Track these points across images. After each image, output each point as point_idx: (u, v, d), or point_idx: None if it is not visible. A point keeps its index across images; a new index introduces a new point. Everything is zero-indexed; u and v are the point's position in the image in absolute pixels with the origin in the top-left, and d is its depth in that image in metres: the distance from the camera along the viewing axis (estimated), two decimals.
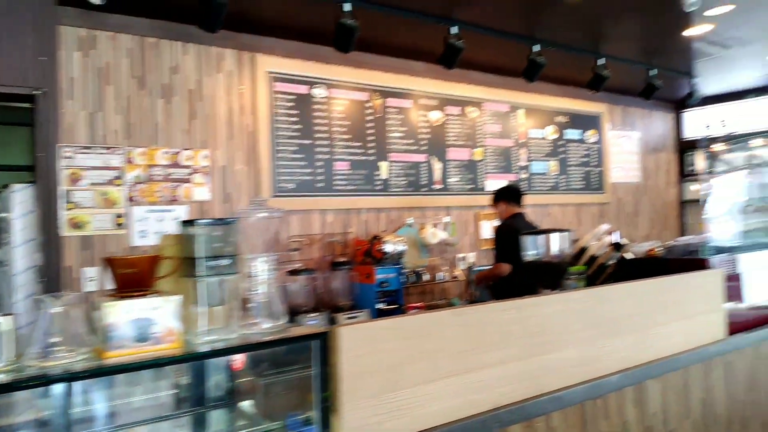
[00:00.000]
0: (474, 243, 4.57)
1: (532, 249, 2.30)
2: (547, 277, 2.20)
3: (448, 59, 3.49)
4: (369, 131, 4.04)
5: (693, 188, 6.29)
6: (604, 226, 3.73)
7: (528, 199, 3.95)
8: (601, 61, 4.24)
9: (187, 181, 3.31)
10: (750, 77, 5.47)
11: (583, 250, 3.37)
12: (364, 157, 4.00)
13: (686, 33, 4.08)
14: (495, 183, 4.50)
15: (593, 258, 3.45)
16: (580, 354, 1.80)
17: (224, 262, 1.37)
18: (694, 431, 2.15)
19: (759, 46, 4.48)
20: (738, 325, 2.43)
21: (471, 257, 4.50)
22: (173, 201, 3.26)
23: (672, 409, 2.06)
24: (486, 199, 4.02)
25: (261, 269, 1.45)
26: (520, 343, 1.66)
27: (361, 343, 1.38)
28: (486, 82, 4.66)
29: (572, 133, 5.32)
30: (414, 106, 4.26)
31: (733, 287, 2.52)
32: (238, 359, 1.57)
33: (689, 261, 2.37)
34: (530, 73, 3.88)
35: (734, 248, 2.66)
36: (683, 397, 2.11)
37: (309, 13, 3.29)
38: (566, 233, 2.30)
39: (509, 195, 3.69)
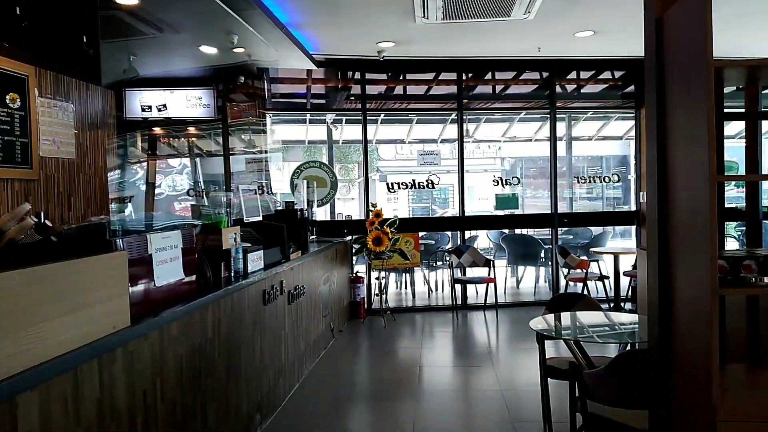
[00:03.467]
0: None
1: None
2: None
3: None
4: None
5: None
6: (26, 206, 3.16)
7: None
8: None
9: None
10: (185, 66, 5.72)
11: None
12: None
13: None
14: None
15: (13, 242, 2.83)
16: None
17: None
18: None
19: (189, 36, 4.67)
20: (144, 309, 2.32)
21: None
22: None
23: (58, 421, 1.73)
24: None
25: None
26: None
27: None
28: None
29: None
30: None
31: (142, 269, 2.38)
32: None
33: (90, 243, 2.09)
34: None
35: (144, 229, 2.61)
36: (73, 403, 1.81)
37: None
38: None
39: None
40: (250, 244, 4.03)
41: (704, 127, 1.79)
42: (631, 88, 7.86)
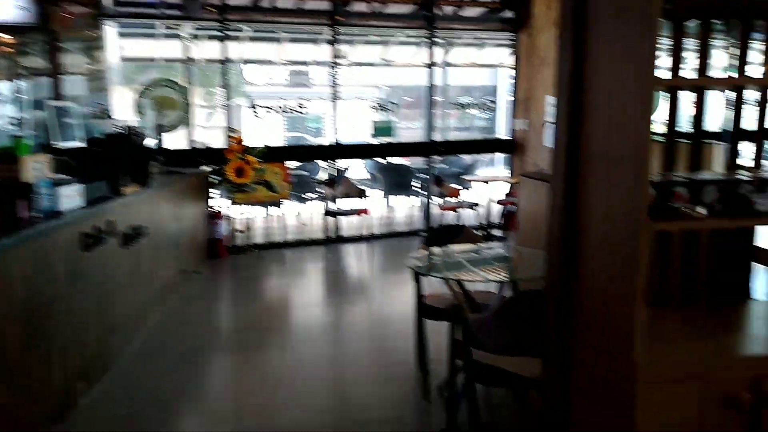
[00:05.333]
0: None
1: None
2: None
3: None
4: None
5: None
6: None
7: None
8: None
9: None
10: None
11: None
12: None
13: None
14: None
15: None
16: None
17: None
18: None
19: None
20: None
21: None
22: None
23: None
24: None
25: None
26: None
27: None
28: None
29: None
30: None
31: None
32: None
33: None
34: None
35: None
36: None
37: None
38: None
39: None
40: (68, 177, 3.23)
41: (641, 31, 1.38)
42: (510, 13, 7.59)
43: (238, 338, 4.09)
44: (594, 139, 1.63)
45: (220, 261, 6.18)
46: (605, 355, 1.63)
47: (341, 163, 7.46)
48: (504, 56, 8.53)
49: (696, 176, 1.56)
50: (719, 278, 2.00)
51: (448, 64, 9.58)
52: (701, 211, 1.47)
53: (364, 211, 6.65)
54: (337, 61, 6.92)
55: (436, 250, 3.30)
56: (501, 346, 2.29)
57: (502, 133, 8.63)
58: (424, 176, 7.86)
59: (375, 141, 7.55)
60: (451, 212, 7.29)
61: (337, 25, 6.88)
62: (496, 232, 7.33)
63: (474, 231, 3.60)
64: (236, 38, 7.56)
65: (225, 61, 6.51)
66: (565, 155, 1.75)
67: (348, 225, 7.65)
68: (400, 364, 3.49)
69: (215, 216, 6.27)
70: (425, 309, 3.16)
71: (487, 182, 6.82)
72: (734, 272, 2.02)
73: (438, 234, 3.53)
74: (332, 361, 3.65)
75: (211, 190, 6.37)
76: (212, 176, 6.22)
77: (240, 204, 6.35)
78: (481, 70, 11.30)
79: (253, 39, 8.43)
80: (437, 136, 7.59)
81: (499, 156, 9.07)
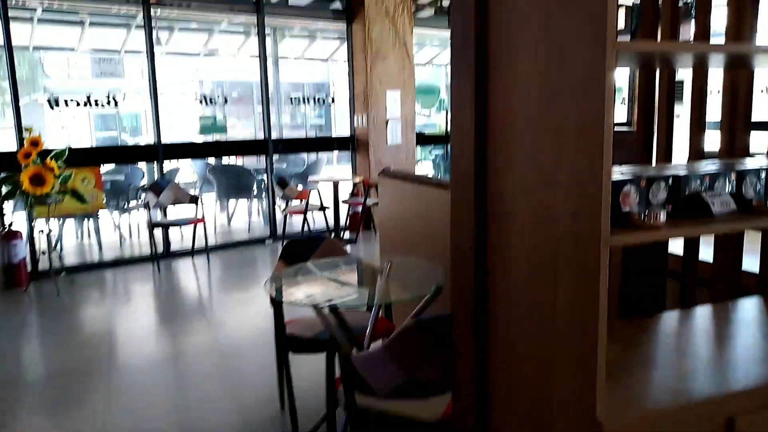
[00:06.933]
0: None
1: None
2: None
3: None
4: None
5: None
6: None
7: None
8: None
9: None
10: None
11: None
12: None
13: None
14: None
15: None
16: None
17: None
18: None
19: None
20: None
21: None
22: None
23: None
24: None
25: None
26: None
27: None
28: None
29: None
30: None
31: None
32: None
33: None
34: None
35: None
36: None
37: None
38: None
39: None
40: None
41: None
42: (340, 4, 7.26)
43: (50, 390, 3.21)
44: (515, 128, 1.27)
45: (18, 291, 5.04)
46: (538, 392, 1.29)
47: (167, 165, 6.57)
48: (338, 49, 8.20)
49: (645, 171, 1.28)
50: (631, 289, 1.78)
51: (280, 57, 9.02)
52: (661, 217, 1.17)
53: (199, 221, 5.88)
54: (155, 49, 6.03)
55: (296, 268, 2.80)
56: (395, 387, 1.88)
57: (340, 130, 8.30)
58: (264, 178, 7.25)
59: (203, 139, 6.78)
60: (299, 216, 6.79)
61: (152, 5, 6.00)
62: (346, 235, 6.99)
63: (337, 241, 3.16)
64: (27, 20, 6.31)
65: (9, 47, 5.32)
66: (474, 145, 1.38)
67: (180, 237, 6.80)
68: (260, 405, 2.94)
69: (10, 236, 5.10)
70: (289, 341, 2.66)
71: (335, 183, 6.42)
72: (645, 281, 1.82)
73: (297, 247, 3.02)
74: (176, 408, 2.98)
75: (3, 204, 5.18)
76: (2, 186, 5.04)
77: (42, 218, 5.24)
78: (316, 65, 10.87)
79: (46, 21, 7.12)
80: (274, 134, 7.02)
81: (343, 154, 8.74)
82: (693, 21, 1.93)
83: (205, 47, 9.40)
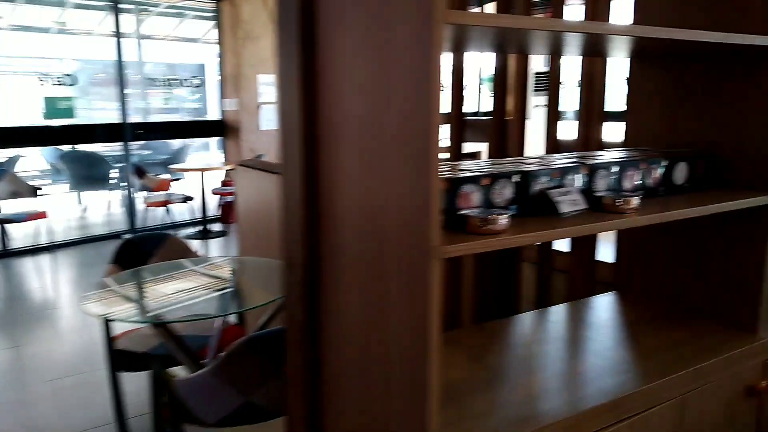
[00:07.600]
0: None
1: None
2: None
3: None
4: None
5: None
6: None
7: None
8: None
9: None
10: None
11: None
12: None
13: None
14: None
15: None
16: None
17: None
18: None
19: None
20: None
21: None
22: None
23: None
24: None
25: None
26: None
27: None
28: None
29: None
30: None
31: None
32: None
33: None
34: None
35: None
36: None
37: None
38: None
39: None
40: None
41: None
42: None
43: None
44: (348, 119, 1.06)
45: None
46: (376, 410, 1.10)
47: (4, 153, 5.77)
48: (210, 30, 7.66)
49: (486, 167, 1.11)
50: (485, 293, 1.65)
51: (143, 37, 8.30)
52: (501, 221, 1.01)
53: (40, 216, 5.20)
54: None
55: (132, 273, 2.44)
56: (228, 414, 1.62)
57: (213, 115, 7.78)
58: (123, 166, 6.61)
59: (50, 123, 6.04)
60: (161, 207, 6.25)
61: None
62: (215, 227, 6.55)
63: (182, 240, 2.81)
64: None
65: None
66: (301, 137, 1.15)
67: (20, 233, 6.03)
68: (98, 425, 2.56)
69: None
70: (121, 357, 2.30)
71: (201, 171, 5.95)
72: (500, 283, 1.70)
73: (133, 249, 2.65)
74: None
75: None
76: None
77: None
78: (187, 45, 10.14)
79: None
80: (136, 118, 6.40)
81: (214, 140, 8.22)
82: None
83: (56, 23, 8.42)
